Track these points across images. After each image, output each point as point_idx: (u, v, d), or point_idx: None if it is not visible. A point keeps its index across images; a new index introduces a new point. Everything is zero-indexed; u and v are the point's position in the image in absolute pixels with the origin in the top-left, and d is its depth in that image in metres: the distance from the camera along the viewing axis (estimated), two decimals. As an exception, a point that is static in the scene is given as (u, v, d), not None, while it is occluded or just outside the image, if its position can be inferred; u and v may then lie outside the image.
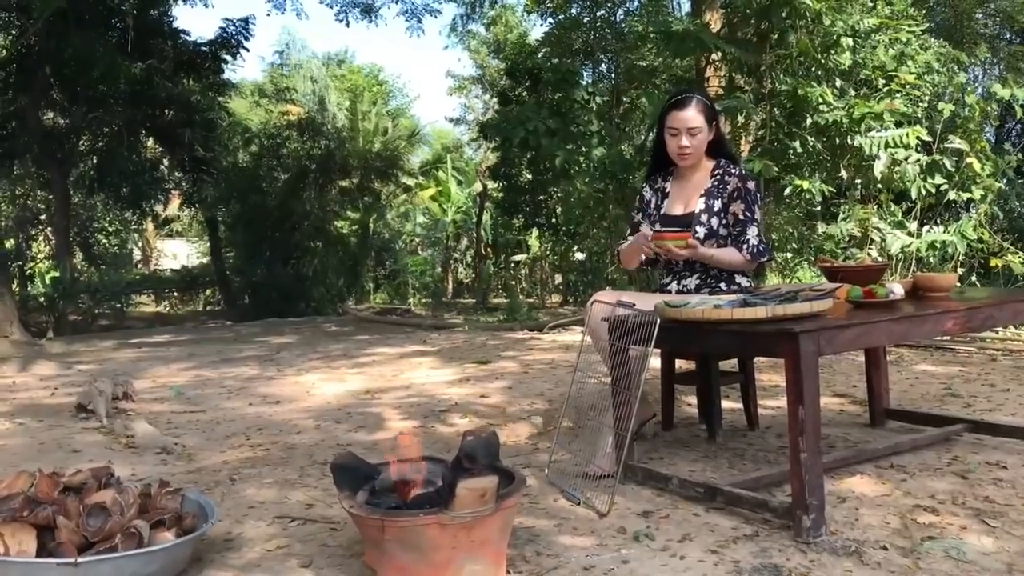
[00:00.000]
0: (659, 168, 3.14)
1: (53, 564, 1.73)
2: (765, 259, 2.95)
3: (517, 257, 17.50)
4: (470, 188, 20.31)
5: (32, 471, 2.02)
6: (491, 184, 14.75)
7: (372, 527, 1.82)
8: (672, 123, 2.94)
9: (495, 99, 15.93)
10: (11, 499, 1.89)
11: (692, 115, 2.91)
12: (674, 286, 3.04)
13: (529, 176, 11.98)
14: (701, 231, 2.93)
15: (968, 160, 7.03)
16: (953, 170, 7.06)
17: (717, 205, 2.95)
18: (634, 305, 2.57)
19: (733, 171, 2.98)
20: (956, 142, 7.03)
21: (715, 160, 3.02)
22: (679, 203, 3.04)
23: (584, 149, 9.47)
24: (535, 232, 14.19)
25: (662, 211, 3.07)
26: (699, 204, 2.96)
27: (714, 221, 2.94)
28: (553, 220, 12.11)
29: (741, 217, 2.91)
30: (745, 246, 2.89)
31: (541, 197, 11.95)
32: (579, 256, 13.19)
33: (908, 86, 7.45)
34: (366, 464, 2.09)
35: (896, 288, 2.51)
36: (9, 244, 14.08)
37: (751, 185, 2.95)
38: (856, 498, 2.39)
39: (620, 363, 2.55)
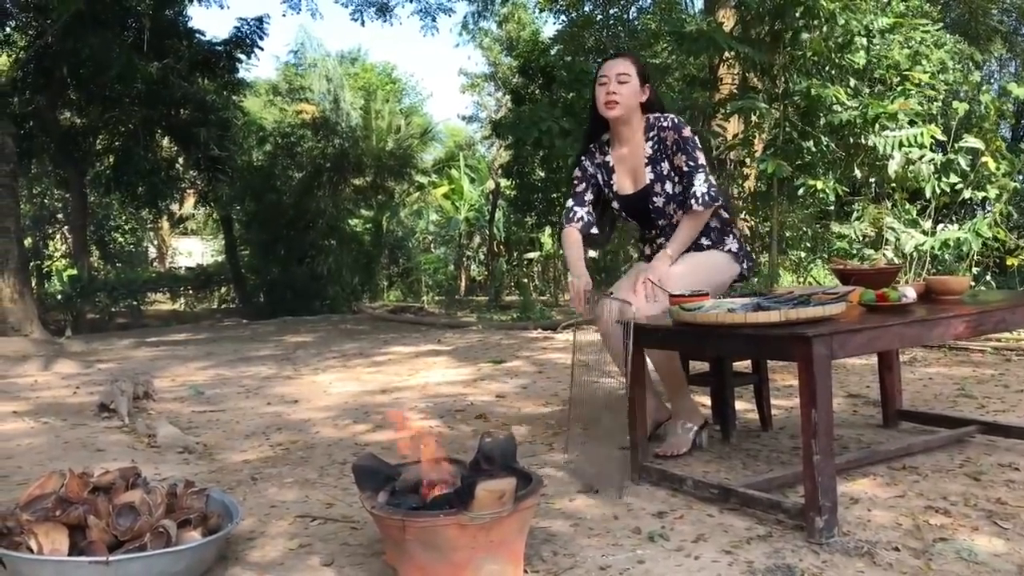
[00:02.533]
0: (593, 136, 3.09)
1: (85, 563, 1.78)
2: (719, 203, 2.88)
3: (530, 255, 17.53)
4: (483, 186, 20.35)
5: (62, 471, 2.07)
6: (504, 182, 14.77)
7: (393, 527, 1.86)
8: (602, 72, 2.93)
9: (508, 97, 15.97)
10: (43, 499, 1.95)
11: (620, 63, 2.90)
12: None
13: (542, 174, 11.99)
14: (660, 200, 2.93)
15: (983, 159, 7.01)
16: (968, 169, 7.04)
17: (665, 168, 2.92)
18: (610, 297, 2.62)
19: (665, 124, 2.92)
20: (971, 141, 7.01)
21: (646, 117, 2.97)
22: (627, 179, 3.01)
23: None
24: (548, 230, 14.20)
25: (614, 189, 3.02)
26: (648, 175, 2.93)
27: (668, 186, 2.92)
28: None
29: (685, 169, 2.87)
30: (695, 200, 2.84)
31: (554, 195, 11.96)
32: (591, 254, 13.21)
33: (922, 85, 7.43)
34: (386, 465, 2.13)
35: (908, 291, 2.53)
36: (27, 243, 14.21)
37: (687, 132, 2.91)
38: (868, 499, 2.42)
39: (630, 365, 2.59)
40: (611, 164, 3.03)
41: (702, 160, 2.89)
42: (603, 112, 2.92)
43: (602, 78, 2.90)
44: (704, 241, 3.02)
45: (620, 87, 2.86)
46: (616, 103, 2.87)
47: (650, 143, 2.93)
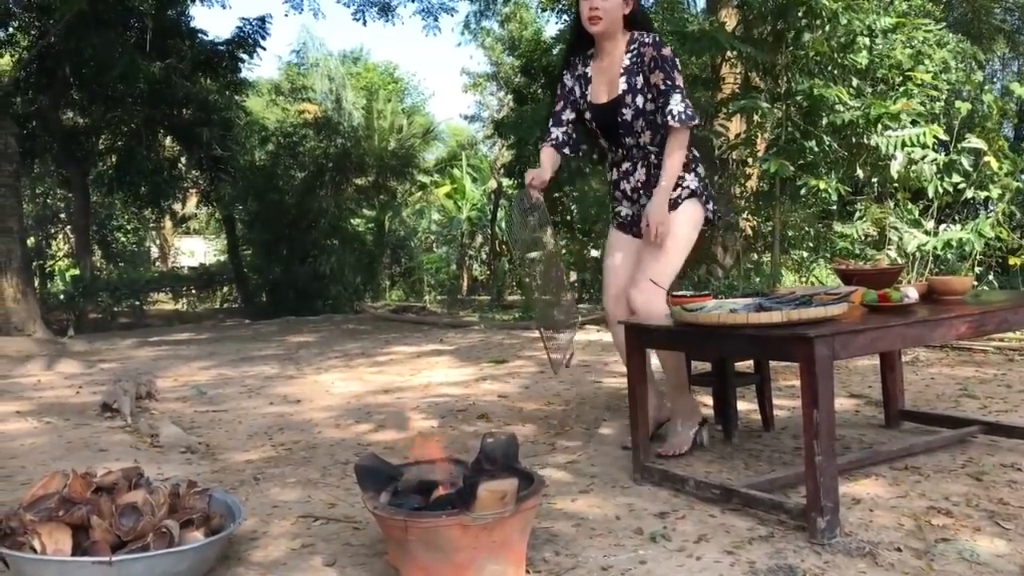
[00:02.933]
0: (576, 50, 3.07)
1: (88, 563, 1.79)
2: (694, 123, 2.84)
3: (532, 254, 17.50)
4: (485, 185, 20.35)
5: (65, 471, 2.08)
6: (506, 181, 14.79)
7: (395, 528, 1.86)
8: None
9: (510, 96, 15.97)
10: (47, 499, 1.95)
11: None
12: (626, 185, 3.05)
13: (544, 174, 11.98)
14: (629, 112, 2.89)
15: (986, 159, 7.00)
16: (971, 169, 7.03)
17: (639, 81, 2.89)
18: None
19: (647, 40, 2.91)
20: (974, 141, 7.00)
21: (629, 33, 2.95)
22: (602, 88, 2.97)
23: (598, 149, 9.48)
24: (549, 231, 14.17)
25: (588, 99, 3.00)
26: (621, 84, 2.91)
27: (639, 100, 2.89)
28: (568, 218, 12.12)
29: (663, 87, 2.84)
30: (671, 116, 2.81)
31: (556, 195, 11.97)
32: (594, 254, 13.22)
33: (925, 84, 7.43)
34: (388, 465, 2.14)
35: (910, 292, 2.53)
36: (30, 243, 14.24)
37: (667, 52, 2.89)
38: (870, 500, 2.42)
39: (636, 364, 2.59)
40: (590, 75, 3.01)
41: (680, 82, 2.87)
42: (587, 27, 2.89)
43: None
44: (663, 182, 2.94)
45: (604, 2, 2.84)
46: (599, 18, 2.85)
47: (629, 55, 2.92)
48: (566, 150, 3.08)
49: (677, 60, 2.96)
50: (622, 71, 2.92)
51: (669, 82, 2.84)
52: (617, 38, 2.94)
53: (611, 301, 3.14)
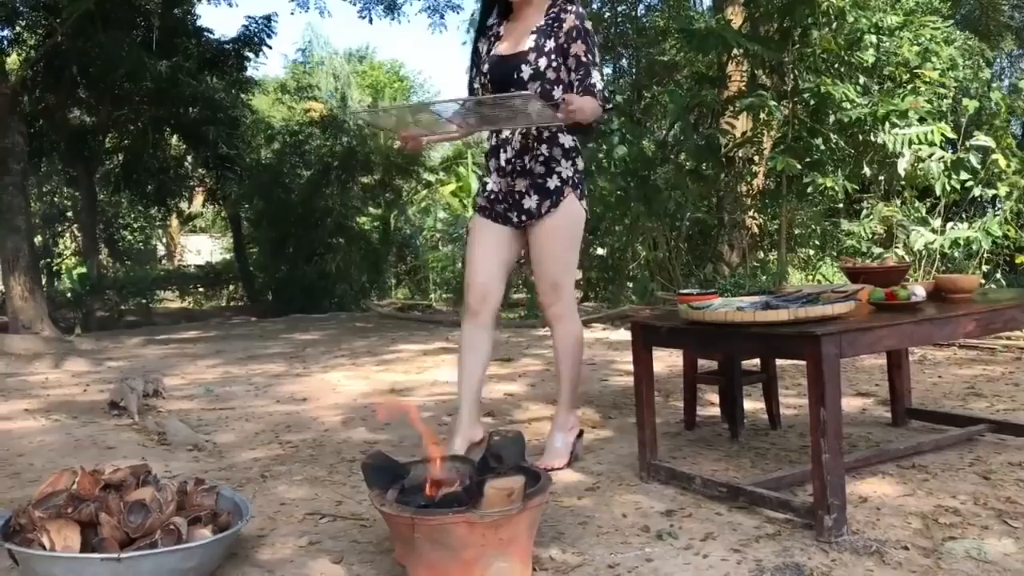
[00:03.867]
0: (489, 13, 2.86)
1: (97, 559, 1.79)
2: (609, 107, 2.73)
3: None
4: (490, 184, 20.29)
5: (73, 468, 2.09)
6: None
7: (402, 525, 1.87)
8: None
9: (516, 95, 15.96)
10: (55, 496, 1.96)
11: None
12: (502, 155, 2.82)
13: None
14: (528, 70, 2.68)
15: (994, 156, 6.98)
16: (979, 167, 7.01)
17: (549, 44, 2.70)
18: None
19: (570, 8, 2.73)
20: (982, 138, 6.98)
21: None
22: (510, 42, 2.77)
23: (605, 148, 9.48)
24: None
25: (491, 53, 2.79)
26: (529, 42, 2.71)
27: (542, 61, 2.69)
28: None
29: (584, 59, 2.68)
30: (595, 90, 2.65)
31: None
32: (600, 252, 13.21)
33: (932, 82, 7.41)
34: (395, 463, 2.14)
35: (918, 290, 2.52)
36: (37, 241, 14.28)
37: (588, 25, 2.75)
38: (878, 498, 2.41)
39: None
40: (501, 33, 2.82)
41: (598, 59, 2.75)
42: None
43: None
44: (538, 168, 2.78)
45: None
46: None
47: (547, 17, 2.73)
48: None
49: (595, 36, 2.81)
50: (534, 30, 2.72)
51: (590, 55, 2.69)
52: (536, 1, 2.76)
53: (476, 299, 2.88)
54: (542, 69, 2.68)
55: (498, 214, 2.87)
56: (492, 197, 2.88)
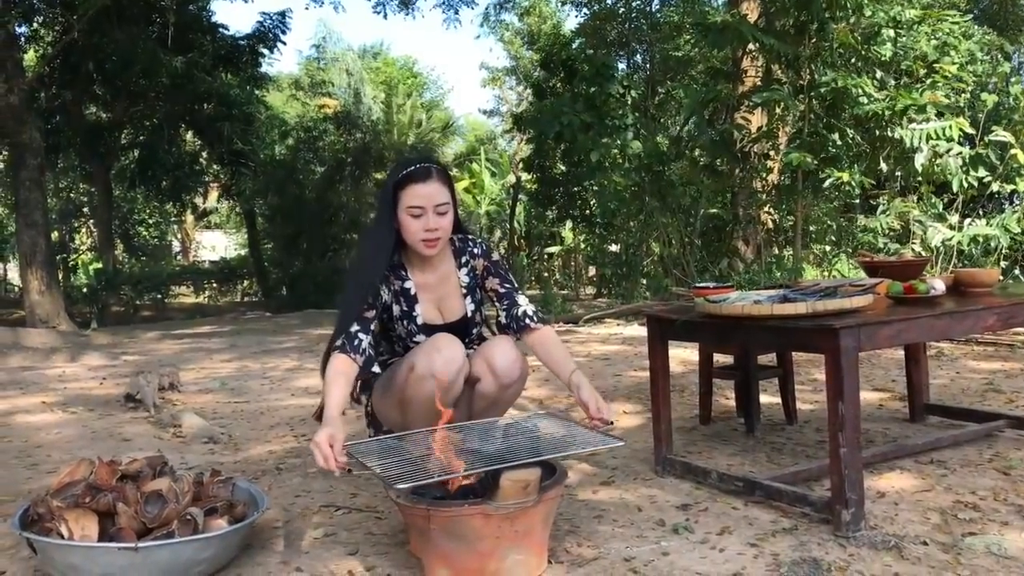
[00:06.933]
0: (390, 256, 2.40)
1: (115, 548, 1.80)
2: (548, 322, 2.50)
3: (551, 249, 17.49)
4: (503, 180, 20.35)
5: (91, 459, 2.10)
6: (525, 176, 14.77)
7: (418, 517, 1.87)
8: (413, 201, 2.29)
9: (529, 90, 15.95)
10: (73, 486, 1.97)
11: (437, 189, 2.31)
12: None
13: (563, 168, 11.97)
14: (475, 331, 2.52)
15: (1013, 151, 6.91)
16: (997, 162, 6.95)
17: (479, 295, 2.51)
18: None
19: (476, 251, 2.49)
20: (1000, 133, 6.91)
21: (450, 242, 2.48)
22: (434, 309, 2.46)
23: (619, 143, 9.45)
24: (569, 224, 14.17)
25: (417, 321, 2.43)
26: (468, 306, 2.48)
27: (478, 316, 2.52)
28: (587, 212, 12.10)
29: (502, 290, 2.47)
30: (529, 319, 2.42)
31: (575, 189, 11.94)
32: (613, 248, 13.19)
33: (950, 77, 7.34)
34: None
35: (937, 284, 2.50)
36: (53, 236, 14.40)
37: (496, 256, 2.53)
38: (896, 493, 2.39)
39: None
40: (412, 292, 2.44)
41: (514, 280, 2.55)
42: (420, 250, 2.34)
43: (415, 209, 2.29)
44: None
45: (440, 219, 2.31)
46: (437, 240, 2.33)
47: (464, 270, 2.50)
48: (375, 368, 2.35)
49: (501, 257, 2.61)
50: (464, 291, 2.49)
51: (509, 284, 2.48)
52: (443, 251, 2.47)
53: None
54: (478, 320, 2.54)
55: None
56: None
